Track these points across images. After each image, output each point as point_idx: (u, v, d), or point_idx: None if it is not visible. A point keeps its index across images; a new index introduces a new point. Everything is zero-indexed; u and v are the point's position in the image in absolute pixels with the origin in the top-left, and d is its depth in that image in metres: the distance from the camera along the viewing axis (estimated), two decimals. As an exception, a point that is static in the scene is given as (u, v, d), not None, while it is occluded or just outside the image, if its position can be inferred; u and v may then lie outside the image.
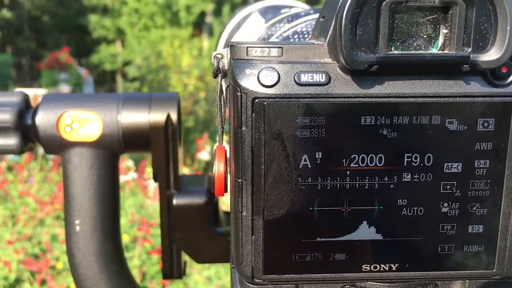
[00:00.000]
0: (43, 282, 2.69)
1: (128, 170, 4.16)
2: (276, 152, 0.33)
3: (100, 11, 14.46)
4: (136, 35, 13.30)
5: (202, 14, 14.54)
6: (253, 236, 0.35)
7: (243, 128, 0.33)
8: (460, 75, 0.33)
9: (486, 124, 0.33)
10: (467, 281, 0.37)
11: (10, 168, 4.05)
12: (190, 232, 0.67)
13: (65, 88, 9.29)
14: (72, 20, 15.15)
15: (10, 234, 2.94)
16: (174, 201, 0.66)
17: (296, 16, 0.55)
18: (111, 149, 0.65)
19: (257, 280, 0.36)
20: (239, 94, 0.33)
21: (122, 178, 3.82)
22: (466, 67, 0.32)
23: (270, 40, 0.55)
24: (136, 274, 2.66)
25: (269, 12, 0.69)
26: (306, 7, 0.70)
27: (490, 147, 0.34)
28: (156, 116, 0.64)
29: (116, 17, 13.86)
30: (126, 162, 4.24)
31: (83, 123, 0.63)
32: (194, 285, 2.67)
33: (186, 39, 11.13)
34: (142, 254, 2.82)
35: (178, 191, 0.66)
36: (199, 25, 14.36)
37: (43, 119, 0.63)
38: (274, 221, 0.34)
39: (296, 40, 0.51)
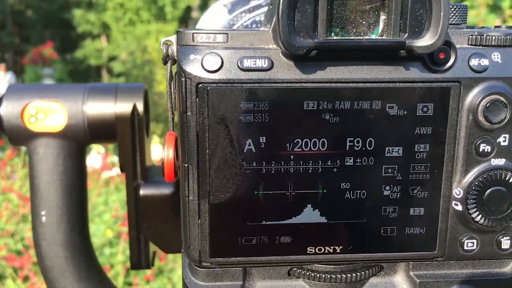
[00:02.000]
0: (25, 278, 2.67)
1: (113, 165, 4.13)
2: (220, 137, 0.34)
3: (85, 6, 14.32)
4: (121, 30, 13.20)
5: (188, 9, 14.48)
6: (199, 220, 0.35)
7: (188, 113, 0.34)
8: (400, 60, 0.33)
9: (425, 109, 0.34)
10: (411, 262, 0.38)
11: (-8, 164, 4.00)
12: (157, 222, 0.68)
13: (49, 83, 9.20)
14: (56, 15, 14.99)
15: (-8, 230, 2.92)
16: (141, 192, 0.66)
17: (258, 6, 0.56)
18: (77, 139, 0.65)
19: (204, 264, 0.36)
20: (183, 79, 0.33)
21: (107, 174, 3.79)
22: (403, 53, 0.33)
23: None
24: (120, 269, 2.65)
25: (239, 3, 0.69)
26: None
27: (429, 131, 0.34)
28: (122, 107, 0.64)
29: (101, 11, 13.73)
30: (110, 157, 4.22)
31: (48, 114, 0.63)
32: (178, 280, 2.67)
33: (172, 34, 11.06)
34: (126, 249, 2.81)
35: (145, 182, 0.67)
36: (185, 20, 14.30)
37: (7, 109, 0.62)
38: (220, 204, 0.35)
39: (254, 28, 0.51)
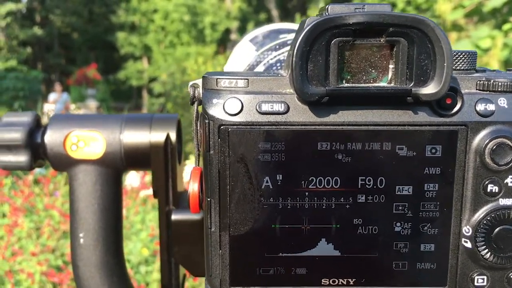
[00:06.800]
0: (64, 293, 2.75)
1: (151, 184, 4.21)
2: (240, 174, 0.36)
3: (128, 29, 14.84)
4: (162, 52, 13.58)
5: (227, 32, 14.77)
6: (220, 251, 0.38)
7: (211, 152, 0.37)
8: (408, 105, 0.36)
9: (434, 151, 0.36)
10: None
11: (36, 181, 4.16)
12: (187, 246, 0.71)
13: (92, 103, 9.56)
14: (101, 37, 15.59)
15: (34, 246, 3.02)
16: (173, 217, 0.70)
17: (283, 44, 0.59)
18: (114, 166, 0.69)
19: None
20: (207, 121, 0.36)
21: (144, 193, 3.88)
22: (410, 99, 0.35)
23: (257, 67, 0.59)
24: (155, 287, 2.70)
25: (270, 37, 0.73)
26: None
27: (438, 171, 0.36)
28: (156, 136, 0.68)
29: (143, 34, 14.20)
30: (149, 176, 4.31)
31: (88, 142, 0.68)
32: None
33: (211, 56, 11.33)
34: (161, 268, 2.84)
35: (177, 207, 0.70)
36: (223, 42, 14.59)
37: (51, 138, 0.67)
38: (239, 237, 0.37)
39: (279, 67, 0.54)
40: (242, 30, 14.17)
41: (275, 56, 0.57)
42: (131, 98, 15.68)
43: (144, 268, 2.81)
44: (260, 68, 0.58)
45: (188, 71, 8.57)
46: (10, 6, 13.99)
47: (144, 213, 3.54)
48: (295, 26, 0.76)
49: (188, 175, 0.40)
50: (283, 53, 0.57)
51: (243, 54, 0.64)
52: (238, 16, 14.52)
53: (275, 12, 15.59)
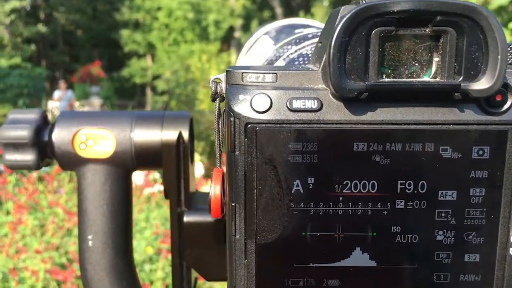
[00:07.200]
0: (68, 292, 2.73)
1: (155, 182, 4.20)
2: (268, 177, 0.33)
3: (132, 26, 14.83)
4: (166, 49, 13.57)
5: (231, 29, 14.74)
6: (246, 260, 0.35)
7: (236, 153, 0.34)
8: (454, 102, 0.32)
9: (481, 152, 0.33)
10: None
11: (40, 179, 4.15)
12: (199, 249, 0.68)
13: (96, 101, 9.55)
14: (105, 35, 15.58)
15: (38, 243, 3.01)
16: (185, 219, 0.67)
17: (304, 38, 0.56)
18: (124, 165, 0.66)
19: None
20: (232, 119, 0.33)
21: (148, 190, 3.86)
22: (458, 96, 0.32)
23: (277, 61, 0.56)
24: (159, 286, 2.68)
25: (284, 31, 0.70)
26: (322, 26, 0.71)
27: (485, 175, 0.33)
28: (168, 134, 0.65)
29: (147, 32, 14.19)
30: (152, 174, 4.30)
31: (97, 140, 0.65)
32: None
33: (214, 53, 11.29)
34: (166, 266, 2.84)
35: (189, 209, 0.67)
36: (227, 40, 14.58)
37: (59, 136, 0.65)
38: (267, 245, 0.34)
39: (301, 62, 0.51)
40: (246, 28, 14.15)
41: (296, 51, 0.54)
42: (135, 95, 15.68)
43: (149, 266, 2.80)
44: (280, 63, 0.55)
45: (192, 68, 8.54)
46: (14, 4, 13.99)
47: (148, 211, 3.53)
48: (309, 21, 0.73)
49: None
50: (304, 47, 0.54)
51: (260, 48, 0.61)
52: (242, 14, 14.48)
53: (279, 10, 15.54)
